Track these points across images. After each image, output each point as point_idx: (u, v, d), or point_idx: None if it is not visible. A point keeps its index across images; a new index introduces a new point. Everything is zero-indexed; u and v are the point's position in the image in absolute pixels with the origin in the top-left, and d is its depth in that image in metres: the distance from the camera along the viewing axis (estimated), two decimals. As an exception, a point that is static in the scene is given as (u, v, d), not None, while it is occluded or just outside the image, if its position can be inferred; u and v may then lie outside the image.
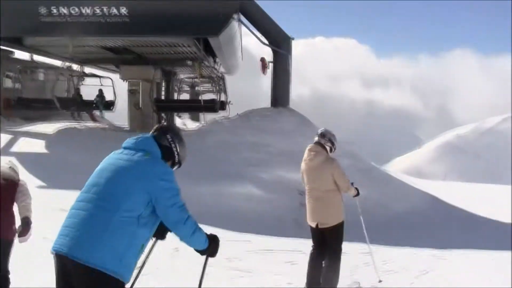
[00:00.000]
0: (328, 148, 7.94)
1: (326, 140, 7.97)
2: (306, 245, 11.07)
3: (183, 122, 36.91)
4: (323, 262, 7.51)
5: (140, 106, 27.06)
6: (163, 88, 31.16)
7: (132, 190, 3.92)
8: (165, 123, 27.47)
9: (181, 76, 36.56)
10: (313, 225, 7.66)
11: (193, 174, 13.72)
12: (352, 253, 10.42)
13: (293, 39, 26.40)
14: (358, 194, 8.20)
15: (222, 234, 10.67)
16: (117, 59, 26.47)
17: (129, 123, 28.38)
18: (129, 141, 4.28)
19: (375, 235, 13.31)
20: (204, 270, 4.48)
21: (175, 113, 35.73)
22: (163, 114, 30.30)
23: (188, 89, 43.24)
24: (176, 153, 4.37)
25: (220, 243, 4.25)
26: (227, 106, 29.01)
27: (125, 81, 27.73)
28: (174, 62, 28.08)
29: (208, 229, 4.06)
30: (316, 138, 8.07)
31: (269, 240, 11.66)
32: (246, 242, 11.08)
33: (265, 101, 26.98)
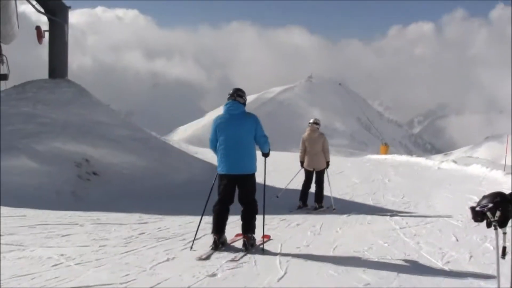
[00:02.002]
0: (318, 127, 13.99)
1: (317, 123, 14.08)
2: (83, 218, 11.12)
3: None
4: (310, 189, 13.74)
5: None
6: None
7: (250, 129, 8.35)
8: None
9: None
10: (311, 169, 13.81)
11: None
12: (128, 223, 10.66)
13: (70, 7, 25.68)
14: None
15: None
16: None
17: None
18: (231, 108, 8.45)
19: (149, 205, 13.66)
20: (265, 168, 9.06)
21: None
22: None
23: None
24: None
25: None
26: (8, 76, 27.48)
27: None
28: None
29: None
30: (312, 120, 14.16)
31: (45, 214, 11.43)
32: (20, 218, 10.78)
33: (44, 72, 26.03)
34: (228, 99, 8.52)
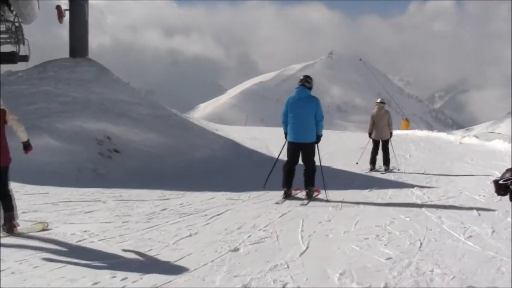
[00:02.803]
0: (384, 105, 16.84)
1: (383, 102, 16.99)
2: (105, 195, 11.21)
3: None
4: (378, 154, 16.43)
5: None
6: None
7: (312, 110, 10.85)
8: None
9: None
10: (378, 139, 16.52)
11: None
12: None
13: (89, -14, 25.69)
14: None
15: (19, 188, 10.47)
16: None
17: None
18: (300, 92, 10.98)
19: (171, 181, 13.73)
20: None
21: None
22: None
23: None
24: None
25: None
26: (29, 57, 27.59)
27: None
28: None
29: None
30: (379, 100, 17.07)
31: (67, 191, 11.54)
32: (43, 195, 10.90)
33: (64, 52, 26.13)
34: (299, 84, 11.18)
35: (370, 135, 16.83)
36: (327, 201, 10.66)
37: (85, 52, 25.59)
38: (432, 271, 6.02)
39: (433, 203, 10.25)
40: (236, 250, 6.87)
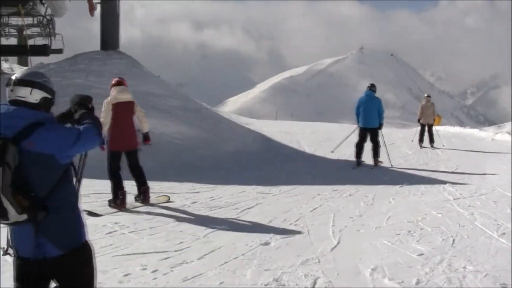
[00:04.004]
0: (430, 99, 20.77)
1: (430, 96, 21.05)
2: (135, 187, 11.30)
3: (10, 66, 35.03)
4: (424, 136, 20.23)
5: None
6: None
7: (375, 106, 15.08)
8: None
9: (8, 19, 34.35)
10: (425, 123, 20.19)
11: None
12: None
13: (120, -22, 25.83)
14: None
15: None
16: None
17: None
18: (368, 94, 15.17)
19: (201, 174, 13.76)
20: None
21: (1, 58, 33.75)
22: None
23: (16, 33, 40.84)
24: None
25: None
26: (63, 50, 27.85)
27: None
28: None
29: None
30: (426, 95, 21.15)
31: (98, 183, 11.55)
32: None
33: (93, 45, 26.34)
34: (367, 88, 15.50)
35: (419, 120, 20.89)
36: (391, 166, 14.97)
37: (116, 44, 25.76)
38: (464, 268, 5.97)
39: (465, 199, 10.13)
40: (267, 243, 6.88)
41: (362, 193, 10.81)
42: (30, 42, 29.98)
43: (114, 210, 8.98)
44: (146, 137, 9.93)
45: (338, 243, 6.95)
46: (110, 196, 9.29)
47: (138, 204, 9.45)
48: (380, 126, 15.22)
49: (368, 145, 15.20)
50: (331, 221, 8.18)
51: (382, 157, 15.33)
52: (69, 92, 18.33)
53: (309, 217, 8.53)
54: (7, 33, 35.77)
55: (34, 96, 3.42)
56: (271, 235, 7.28)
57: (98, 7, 25.40)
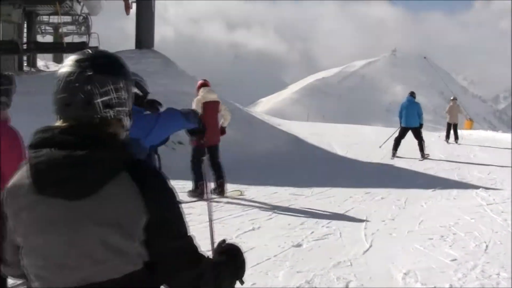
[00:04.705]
0: (456, 101, 23.35)
1: (456, 99, 23.41)
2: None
3: (46, 64, 35.53)
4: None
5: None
6: (24, 30, 29.66)
7: (415, 109, 17.29)
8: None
9: (45, 18, 34.87)
10: (451, 122, 22.28)
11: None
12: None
13: (155, -22, 26.08)
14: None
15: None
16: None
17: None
18: (409, 99, 17.46)
19: (237, 175, 13.81)
20: None
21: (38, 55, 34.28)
22: (24, 56, 29.09)
23: (52, 31, 41.39)
24: None
25: None
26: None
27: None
28: (36, 2, 26.74)
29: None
30: (452, 97, 23.61)
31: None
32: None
33: (127, 44, 26.62)
34: (408, 95, 17.57)
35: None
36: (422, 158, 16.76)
37: (151, 44, 26.00)
38: (498, 274, 5.94)
39: (498, 205, 10.04)
40: (299, 245, 6.92)
41: (394, 197, 10.79)
42: (67, 39, 30.41)
43: (194, 199, 9.87)
44: (223, 131, 11.36)
45: (370, 246, 6.96)
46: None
47: (215, 196, 10.19)
48: (421, 126, 17.14)
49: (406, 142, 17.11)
50: (363, 224, 8.20)
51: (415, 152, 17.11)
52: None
53: (341, 219, 8.56)
54: (43, 31, 36.31)
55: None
56: (304, 237, 7.33)
57: (134, 6, 25.66)
